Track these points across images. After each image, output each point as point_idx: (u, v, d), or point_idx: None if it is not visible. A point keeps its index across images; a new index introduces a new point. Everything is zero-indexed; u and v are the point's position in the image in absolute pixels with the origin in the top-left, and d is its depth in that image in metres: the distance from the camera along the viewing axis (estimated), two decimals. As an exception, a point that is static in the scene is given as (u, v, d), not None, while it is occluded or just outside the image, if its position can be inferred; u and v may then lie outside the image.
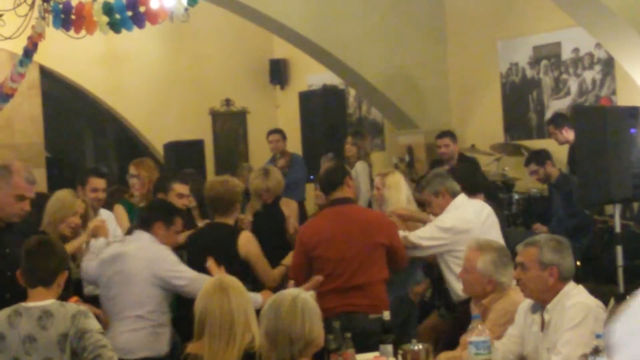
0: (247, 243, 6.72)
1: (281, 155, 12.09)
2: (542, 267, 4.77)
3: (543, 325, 4.75)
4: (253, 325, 4.46)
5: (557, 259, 4.79)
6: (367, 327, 5.99)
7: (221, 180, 7.02)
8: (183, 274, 6.18)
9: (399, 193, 7.64)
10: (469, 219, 6.87)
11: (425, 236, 6.86)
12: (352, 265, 6.29)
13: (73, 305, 4.80)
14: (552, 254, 4.79)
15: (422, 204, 7.73)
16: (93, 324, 4.71)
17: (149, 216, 6.43)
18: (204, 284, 4.73)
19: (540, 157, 9.83)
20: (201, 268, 6.25)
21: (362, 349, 5.30)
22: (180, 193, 7.48)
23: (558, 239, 4.98)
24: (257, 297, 6.03)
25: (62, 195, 6.63)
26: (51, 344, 4.67)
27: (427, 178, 7.40)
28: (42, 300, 4.80)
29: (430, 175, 7.35)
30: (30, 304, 4.82)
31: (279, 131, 12.51)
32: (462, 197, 7.09)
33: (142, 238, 6.31)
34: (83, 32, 8.99)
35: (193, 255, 6.72)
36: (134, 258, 6.21)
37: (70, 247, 6.28)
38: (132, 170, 8.35)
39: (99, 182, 7.65)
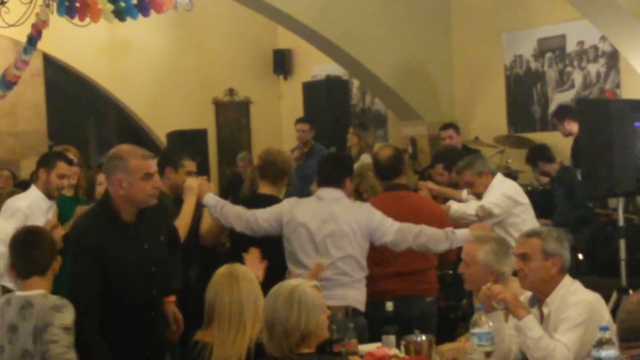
0: None
1: (304, 145, 11.83)
2: (546, 257, 4.76)
3: (542, 319, 4.74)
4: (262, 317, 4.46)
5: (560, 250, 4.79)
6: (424, 310, 6.55)
7: (277, 150, 6.99)
8: (390, 228, 6.19)
9: None
10: (522, 193, 7.55)
11: (498, 203, 7.26)
12: (410, 250, 6.35)
13: (55, 298, 4.77)
14: (554, 244, 4.79)
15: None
16: (60, 319, 4.65)
17: (340, 173, 6.32)
18: (222, 270, 4.73)
19: (532, 158, 9.95)
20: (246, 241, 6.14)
21: (419, 330, 5.44)
22: (190, 171, 7.24)
23: (558, 230, 4.99)
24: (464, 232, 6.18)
25: None
26: (28, 335, 4.64)
27: (466, 160, 7.74)
28: (36, 289, 4.78)
29: (470, 158, 7.78)
30: (19, 293, 4.82)
31: (307, 120, 12.17)
32: (500, 175, 7.68)
33: (339, 196, 6.26)
34: (87, 20, 8.99)
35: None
36: (345, 218, 6.16)
37: (185, 214, 6.27)
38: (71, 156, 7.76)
39: (67, 169, 7.23)
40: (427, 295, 6.68)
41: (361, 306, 6.13)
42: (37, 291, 4.78)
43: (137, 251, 5.20)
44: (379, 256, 6.41)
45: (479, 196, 7.51)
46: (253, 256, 5.75)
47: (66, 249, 6.18)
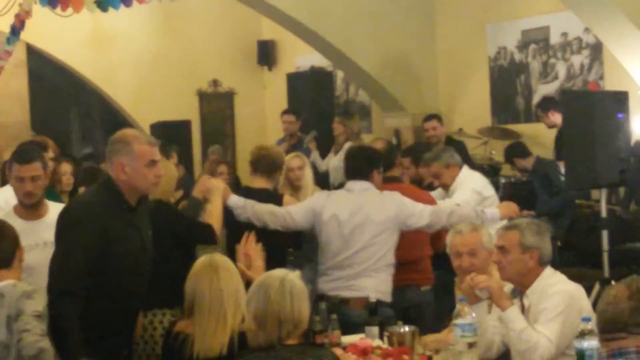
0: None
1: (290, 137, 11.77)
2: (524, 250, 4.78)
3: (523, 310, 4.76)
4: (244, 305, 4.46)
5: (538, 243, 4.80)
6: (420, 300, 6.69)
7: (268, 145, 7.12)
8: (423, 213, 6.29)
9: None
10: (489, 185, 7.72)
11: (470, 201, 7.36)
12: (406, 241, 6.44)
13: (24, 285, 4.71)
14: (533, 237, 4.80)
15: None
16: (31, 306, 4.56)
17: (367, 165, 6.41)
18: (202, 261, 4.72)
19: (508, 156, 10.09)
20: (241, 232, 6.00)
21: (415, 319, 5.63)
22: (176, 162, 7.19)
23: (538, 222, 5.01)
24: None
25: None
26: (2, 326, 4.60)
27: (434, 152, 7.91)
28: (5, 281, 4.74)
29: (437, 150, 7.94)
30: None
31: (293, 112, 12.13)
32: (467, 167, 7.77)
33: (368, 187, 6.36)
34: (70, 10, 8.96)
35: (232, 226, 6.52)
36: (374, 209, 6.26)
37: (216, 212, 6.08)
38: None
39: (20, 170, 6.85)
40: (422, 284, 6.78)
41: (387, 297, 6.20)
42: (7, 281, 4.73)
43: (138, 239, 5.02)
44: None
45: (445, 187, 7.66)
46: (250, 243, 5.68)
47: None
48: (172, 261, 5.51)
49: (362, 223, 6.20)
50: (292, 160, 7.66)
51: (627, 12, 9.12)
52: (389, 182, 6.87)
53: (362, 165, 6.43)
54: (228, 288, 4.56)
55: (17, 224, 5.26)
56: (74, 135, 16.74)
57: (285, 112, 12.09)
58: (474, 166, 10.62)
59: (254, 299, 4.16)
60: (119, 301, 4.90)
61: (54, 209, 5.58)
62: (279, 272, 4.28)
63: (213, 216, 6.05)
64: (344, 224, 6.21)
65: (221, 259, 4.71)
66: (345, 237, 6.20)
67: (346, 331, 5.37)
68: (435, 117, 10.82)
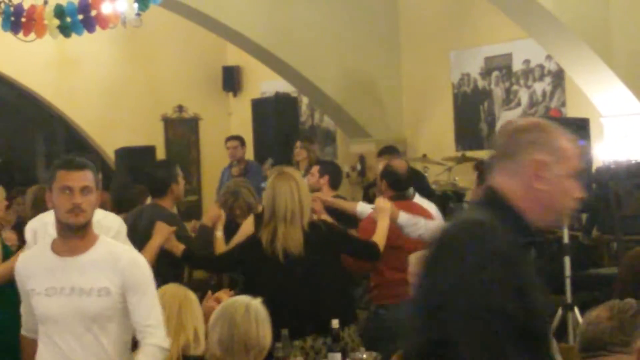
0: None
1: (238, 162, 11.92)
2: None
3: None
4: (188, 329, 4.42)
5: None
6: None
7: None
8: None
9: None
10: None
11: None
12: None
13: None
14: None
15: None
16: None
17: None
18: None
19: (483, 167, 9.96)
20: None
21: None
22: None
23: None
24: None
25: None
26: None
27: None
28: None
29: None
30: None
31: (237, 137, 12.27)
32: None
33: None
34: (32, 35, 8.92)
35: None
36: None
37: (382, 231, 6.29)
38: None
39: None
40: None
41: None
42: None
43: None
44: (397, 261, 6.50)
45: None
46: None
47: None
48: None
49: None
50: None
51: (588, 40, 9.23)
52: (405, 199, 7.06)
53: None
54: (171, 306, 4.47)
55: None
56: (38, 160, 16.62)
57: (229, 139, 12.24)
58: (435, 194, 10.67)
59: (219, 324, 4.16)
60: None
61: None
62: (242, 299, 4.28)
63: (379, 234, 6.27)
64: None
65: (174, 286, 4.66)
66: None
67: None
68: (387, 151, 10.42)
